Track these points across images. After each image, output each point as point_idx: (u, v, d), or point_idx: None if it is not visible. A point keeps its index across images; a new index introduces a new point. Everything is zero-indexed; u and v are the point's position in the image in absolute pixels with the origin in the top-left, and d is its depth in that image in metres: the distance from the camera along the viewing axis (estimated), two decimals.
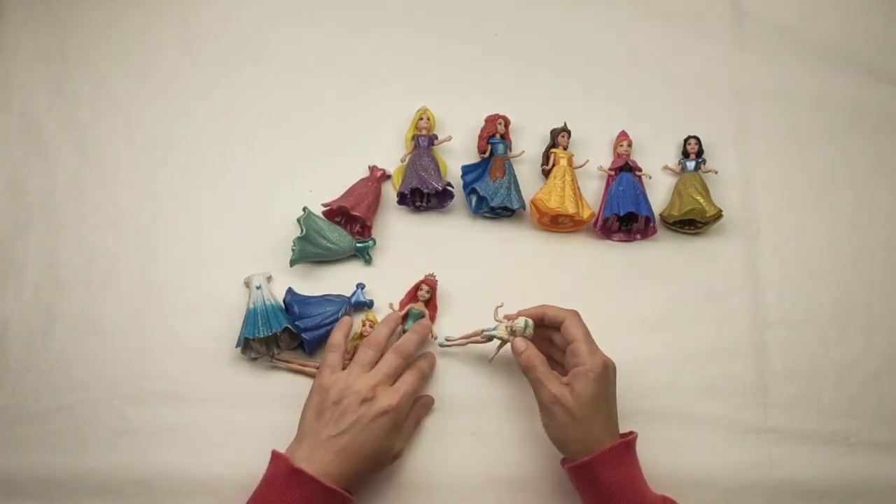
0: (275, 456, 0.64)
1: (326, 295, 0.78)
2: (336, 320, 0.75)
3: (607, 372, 0.65)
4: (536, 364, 0.66)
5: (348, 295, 0.78)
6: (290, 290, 0.77)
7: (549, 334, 0.71)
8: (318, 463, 0.62)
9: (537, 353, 0.67)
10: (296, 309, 0.75)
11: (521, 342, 0.68)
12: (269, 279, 0.78)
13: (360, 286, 0.78)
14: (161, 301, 0.78)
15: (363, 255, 0.80)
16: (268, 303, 0.75)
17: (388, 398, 0.66)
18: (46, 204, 0.82)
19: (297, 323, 0.74)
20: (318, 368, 0.74)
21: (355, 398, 0.65)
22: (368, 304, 0.78)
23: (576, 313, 0.69)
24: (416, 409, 0.72)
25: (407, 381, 0.68)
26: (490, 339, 0.71)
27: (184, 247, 0.81)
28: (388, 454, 0.67)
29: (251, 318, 0.74)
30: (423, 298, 0.77)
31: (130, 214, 0.82)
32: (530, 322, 0.69)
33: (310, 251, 0.78)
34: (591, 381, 0.63)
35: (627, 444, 0.64)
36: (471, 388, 0.76)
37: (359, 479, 0.65)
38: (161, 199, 0.83)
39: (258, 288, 0.76)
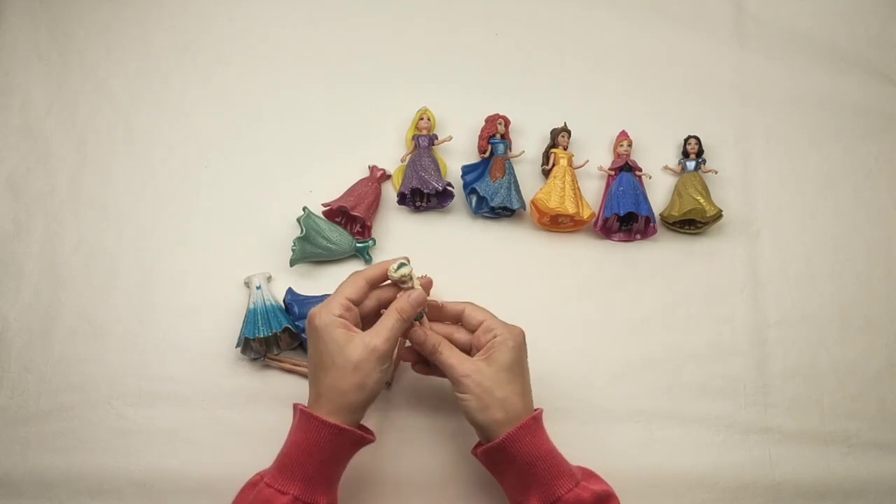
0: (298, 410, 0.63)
1: (326, 295, 0.77)
2: None
3: (523, 341, 0.66)
4: (442, 346, 0.65)
5: None
6: (290, 291, 0.77)
7: (447, 332, 0.68)
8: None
9: (438, 336, 0.66)
10: (296, 309, 0.75)
11: (419, 332, 0.66)
12: (268, 279, 0.78)
13: None
14: (161, 301, 0.79)
15: (363, 254, 0.80)
16: (268, 303, 0.75)
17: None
18: (46, 204, 0.82)
19: (297, 323, 0.74)
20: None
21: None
22: None
23: (471, 302, 0.68)
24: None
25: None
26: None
27: (183, 247, 0.81)
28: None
29: (251, 318, 0.74)
30: None
31: (130, 214, 0.82)
32: (404, 269, 0.64)
33: (310, 251, 0.78)
34: (511, 349, 0.64)
35: (536, 417, 0.63)
36: None
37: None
38: (161, 200, 0.83)
39: (258, 288, 0.76)
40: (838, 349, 0.80)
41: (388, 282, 0.66)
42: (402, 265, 0.64)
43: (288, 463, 0.61)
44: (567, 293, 0.81)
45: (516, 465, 0.62)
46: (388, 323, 0.63)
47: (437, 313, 0.68)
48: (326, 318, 0.62)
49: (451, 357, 0.64)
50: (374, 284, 0.66)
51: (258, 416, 0.73)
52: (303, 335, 0.74)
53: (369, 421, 0.74)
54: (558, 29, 0.94)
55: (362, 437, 0.63)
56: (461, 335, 0.68)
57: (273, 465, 0.62)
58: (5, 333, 0.76)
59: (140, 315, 0.78)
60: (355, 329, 0.63)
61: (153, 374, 0.75)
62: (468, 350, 0.67)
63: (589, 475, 0.65)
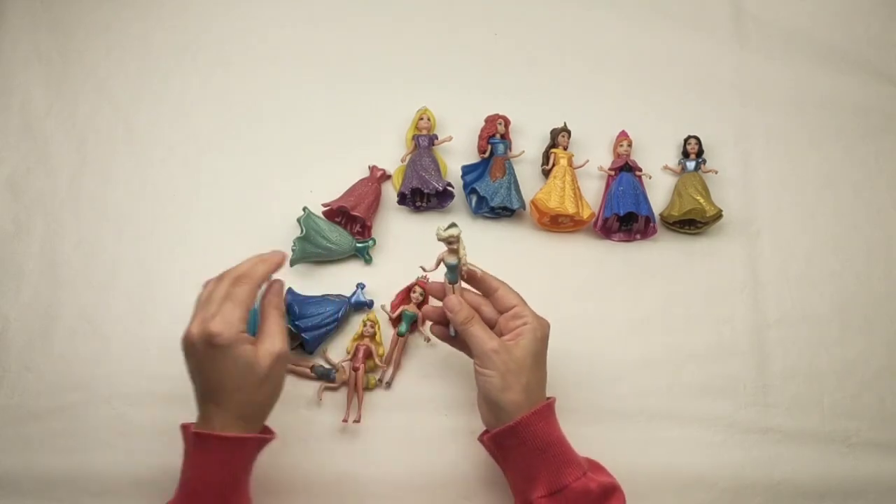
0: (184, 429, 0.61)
1: (326, 295, 0.78)
2: (336, 320, 0.75)
3: (548, 334, 0.66)
4: (474, 319, 0.65)
5: (348, 295, 0.78)
6: (290, 290, 0.77)
7: (476, 302, 0.69)
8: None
9: (472, 311, 0.66)
10: (296, 309, 0.75)
11: (455, 301, 0.66)
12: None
13: (361, 286, 0.78)
14: (161, 301, 0.78)
15: (363, 254, 0.80)
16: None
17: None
18: (46, 204, 0.82)
19: (296, 322, 0.74)
20: (310, 368, 0.74)
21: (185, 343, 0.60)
22: (368, 304, 0.78)
23: (508, 284, 0.68)
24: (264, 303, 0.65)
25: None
26: (452, 266, 0.66)
27: (183, 247, 0.81)
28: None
29: (251, 317, 0.73)
30: (417, 300, 0.77)
31: (130, 214, 0.82)
32: (454, 230, 0.64)
33: (310, 251, 0.78)
34: (539, 339, 0.64)
35: (550, 405, 0.64)
36: (469, 387, 0.75)
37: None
38: (161, 200, 0.83)
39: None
40: (838, 349, 0.80)
41: (433, 268, 0.66)
42: (452, 225, 0.64)
43: (197, 488, 0.59)
44: (567, 293, 0.81)
45: (526, 450, 0.62)
46: (274, 322, 0.62)
47: (474, 282, 0.68)
48: (234, 335, 0.58)
49: (482, 331, 0.64)
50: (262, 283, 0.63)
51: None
52: (302, 335, 0.74)
53: (370, 420, 0.74)
54: (558, 29, 0.94)
55: (263, 440, 0.62)
56: (488, 310, 0.68)
57: (178, 493, 0.60)
58: (5, 333, 0.76)
59: (140, 315, 0.78)
60: (251, 339, 0.60)
61: (153, 374, 0.75)
62: (492, 326, 0.67)
63: (596, 467, 0.65)
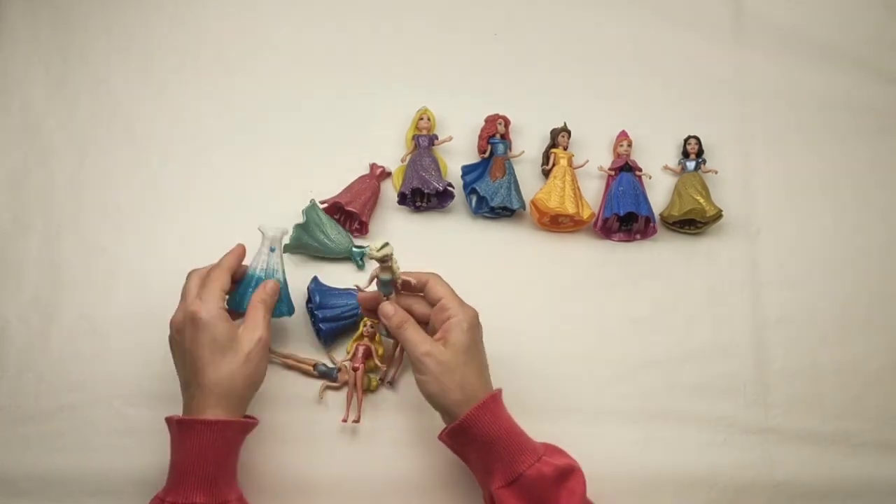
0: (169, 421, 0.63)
1: (350, 289, 0.77)
2: (356, 315, 0.75)
3: (477, 322, 0.66)
4: (407, 324, 0.66)
5: None
6: (314, 279, 0.77)
7: (407, 303, 0.70)
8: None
9: (406, 314, 0.67)
10: (317, 298, 0.75)
11: (389, 307, 0.67)
12: (283, 238, 0.72)
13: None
14: (161, 301, 0.78)
15: (356, 259, 0.80)
16: (276, 275, 0.70)
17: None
18: (46, 204, 0.82)
19: (316, 311, 0.74)
20: (313, 366, 0.74)
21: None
22: None
23: (437, 275, 0.69)
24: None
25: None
26: (386, 281, 0.67)
27: (184, 247, 0.81)
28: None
29: (244, 286, 0.69)
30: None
31: (130, 214, 0.82)
32: (387, 249, 0.64)
33: (305, 241, 0.78)
34: (465, 330, 0.64)
35: (494, 396, 0.64)
36: None
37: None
38: (161, 199, 0.83)
39: (272, 251, 0.70)
40: (838, 349, 0.80)
41: (367, 286, 0.68)
42: (385, 244, 0.64)
43: (184, 473, 0.60)
44: (567, 293, 0.81)
45: (477, 445, 0.63)
46: (259, 314, 0.64)
47: (408, 288, 0.69)
48: (213, 311, 0.62)
49: (415, 335, 0.65)
50: (234, 272, 0.67)
51: (257, 416, 0.73)
52: (320, 325, 0.73)
53: (370, 420, 0.74)
54: (558, 29, 0.94)
55: (247, 424, 0.63)
56: (419, 307, 0.69)
57: (169, 482, 0.61)
58: (5, 333, 0.76)
59: (140, 315, 0.78)
60: (232, 321, 0.64)
61: (153, 374, 0.75)
62: (426, 321, 0.68)
63: (553, 451, 0.65)
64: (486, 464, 0.63)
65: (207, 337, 0.61)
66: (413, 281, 0.68)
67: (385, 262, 0.65)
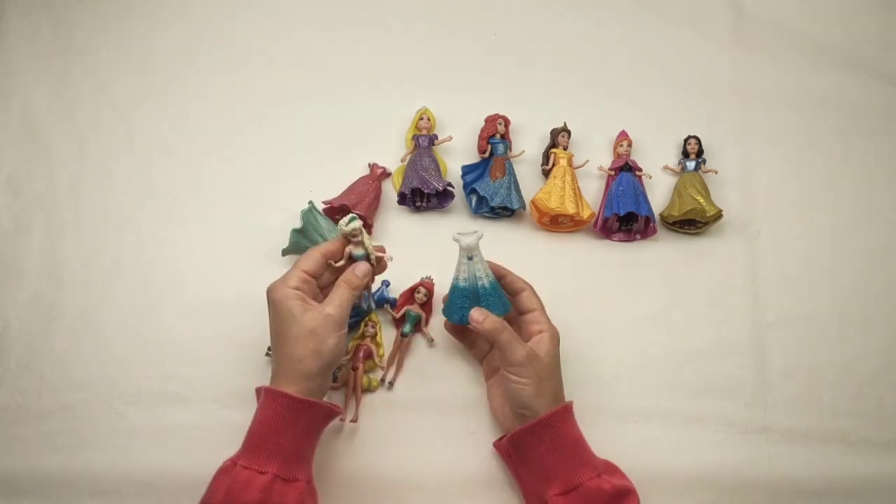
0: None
1: None
2: (359, 313, 0.75)
3: (559, 339, 0.70)
4: (504, 327, 0.67)
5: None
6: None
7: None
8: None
9: (501, 319, 0.68)
10: None
11: (478, 313, 0.68)
12: (478, 243, 0.68)
13: (386, 283, 0.78)
14: (161, 301, 0.78)
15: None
16: (480, 283, 0.68)
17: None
18: (46, 204, 0.82)
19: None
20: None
21: None
22: (391, 303, 0.77)
23: (532, 287, 0.71)
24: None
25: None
26: (360, 257, 0.68)
27: (183, 246, 0.81)
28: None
29: (450, 297, 0.70)
30: (420, 301, 0.77)
31: (130, 214, 0.82)
32: (355, 223, 0.66)
33: (303, 245, 0.78)
34: (556, 345, 0.68)
35: (568, 407, 0.67)
36: (469, 388, 0.76)
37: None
38: (161, 200, 0.83)
39: (469, 259, 0.68)
40: (837, 348, 0.80)
41: (342, 262, 0.68)
42: (353, 219, 0.66)
43: (260, 442, 0.61)
44: (567, 293, 0.81)
45: (545, 449, 0.64)
46: (338, 292, 0.66)
47: (500, 278, 0.71)
48: (283, 291, 0.64)
49: (513, 340, 0.66)
50: (330, 258, 0.68)
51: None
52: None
53: (369, 420, 0.74)
54: (558, 29, 0.94)
55: (330, 410, 0.64)
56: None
57: (243, 448, 0.62)
58: (6, 333, 0.76)
59: (140, 315, 0.78)
60: (311, 302, 0.65)
61: (153, 374, 0.75)
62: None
63: (613, 469, 0.66)
64: (548, 469, 0.64)
65: (278, 316, 0.64)
66: (385, 258, 0.69)
67: (355, 236, 0.67)
